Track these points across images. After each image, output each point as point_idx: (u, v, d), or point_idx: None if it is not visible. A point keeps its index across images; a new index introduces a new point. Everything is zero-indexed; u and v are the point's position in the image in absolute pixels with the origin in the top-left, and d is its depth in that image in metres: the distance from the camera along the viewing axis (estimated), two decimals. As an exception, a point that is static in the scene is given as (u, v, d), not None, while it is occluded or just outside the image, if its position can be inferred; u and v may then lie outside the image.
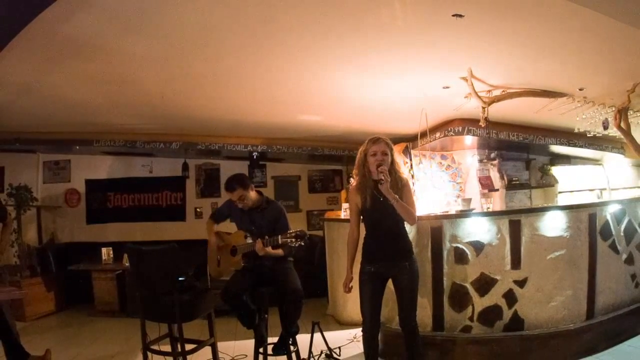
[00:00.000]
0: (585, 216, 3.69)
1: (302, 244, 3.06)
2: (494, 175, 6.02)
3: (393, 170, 2.90)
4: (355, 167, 3.02)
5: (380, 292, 2.95)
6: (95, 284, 5.88)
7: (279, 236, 3.12)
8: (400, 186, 2.91)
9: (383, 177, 2.76)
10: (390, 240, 2.93)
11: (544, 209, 3.77)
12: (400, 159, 3.14)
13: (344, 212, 5.36)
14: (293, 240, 3.06)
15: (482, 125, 4.53)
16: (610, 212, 3.86)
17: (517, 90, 4.30)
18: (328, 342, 3.90)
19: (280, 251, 3.22)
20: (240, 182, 3.27)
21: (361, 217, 3.00)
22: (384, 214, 2.88)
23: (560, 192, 6.48)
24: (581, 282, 3.61)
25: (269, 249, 3.19)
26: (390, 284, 2.98)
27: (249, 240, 3.31)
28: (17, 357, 3.37)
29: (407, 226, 3.05)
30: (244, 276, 3.32)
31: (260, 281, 3.30)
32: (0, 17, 2.85)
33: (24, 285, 5.41)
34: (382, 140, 2.93)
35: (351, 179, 3.17)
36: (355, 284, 3.00)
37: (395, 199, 2.80)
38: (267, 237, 3.16)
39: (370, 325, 2.90)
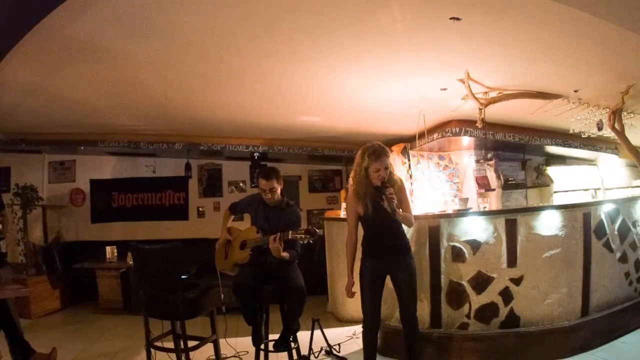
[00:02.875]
0: (580, 215, 3.74)
1: (311, 241, 3.12)
2: (491, 175, 6.05)
3: (390, 175, 3.01)
4: (354, 177, 3.05)
5: (380, 288, 3.03)
6: (100, 282, 5.96)
7: (289, 232, 3.16)
8: (397, 188, 3.00)
9: (394, 200, 2.84)
10: (390, 240, 3.02)
11: (539, 209, 3.82)
12: (398, 160, 3.22)
13: (344, 212, 5.41)
14: (303, 236, 3.12)
15: (479, 126, 4.56)
16: (604, 211, 3.91)
17: (513, 92, 4.32)
18: (328, 339, 3.97)
19: (286, 254, 3.26)
20: (277, 175, 3.45)
21: (359, 221, 3.08)
22: (385, 218, 2.96)
23: (555, 192, 6.47)
24: (576, 280, 3.66)
25: (280, 247, 3.20)
26: (388, 281, 3.05)
27: (259, 235, 3.38)
28: (23, 354, 3.42)
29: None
30: (253, 270, 3.36)
31: (265, 277, 3.34)
32: (7, 20, 2.90)
33: (29, 283, 5.45)
34: (383, 154, 2.92)
35: (350, 179, 3.24)
36: (355, 281, 3.07)
37: (399, 215, 2.91)
38: (279, 233, 3.18)
39: (372, 320, 2.97)
